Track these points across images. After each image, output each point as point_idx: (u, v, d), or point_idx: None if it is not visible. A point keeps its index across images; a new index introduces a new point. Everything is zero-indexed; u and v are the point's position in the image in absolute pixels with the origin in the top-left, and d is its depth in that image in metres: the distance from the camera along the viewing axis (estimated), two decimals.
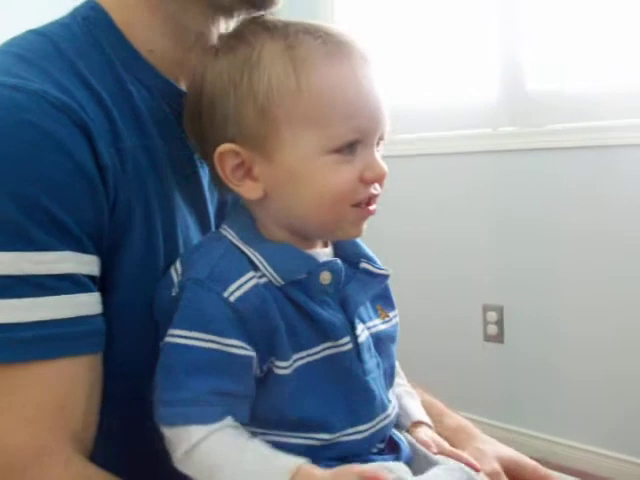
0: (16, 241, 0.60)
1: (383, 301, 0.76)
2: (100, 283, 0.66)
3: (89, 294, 0.64)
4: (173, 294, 0.66)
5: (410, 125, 2.28)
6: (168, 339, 0.64)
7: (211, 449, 0.61)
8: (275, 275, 0.65)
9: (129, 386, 0.68)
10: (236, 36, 0.68)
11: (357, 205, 0.66)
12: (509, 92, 2.18)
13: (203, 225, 0.76)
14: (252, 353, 0.63)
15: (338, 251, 0.73)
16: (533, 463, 0.84)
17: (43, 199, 0.61)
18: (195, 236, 0.75)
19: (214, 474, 0.61)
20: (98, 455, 0.66)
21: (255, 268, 0.66)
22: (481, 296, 2.29)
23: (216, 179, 0.70)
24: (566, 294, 2.11)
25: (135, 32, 0.72)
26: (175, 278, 0.67)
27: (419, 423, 0.77)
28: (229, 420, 0.62)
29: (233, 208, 0.76)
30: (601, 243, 2.02)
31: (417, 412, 0.78)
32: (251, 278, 0.64)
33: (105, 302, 0.66)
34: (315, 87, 0.64)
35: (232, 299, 0.63)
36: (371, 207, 0.67)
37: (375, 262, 0.74)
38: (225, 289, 0.63)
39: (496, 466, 0.78)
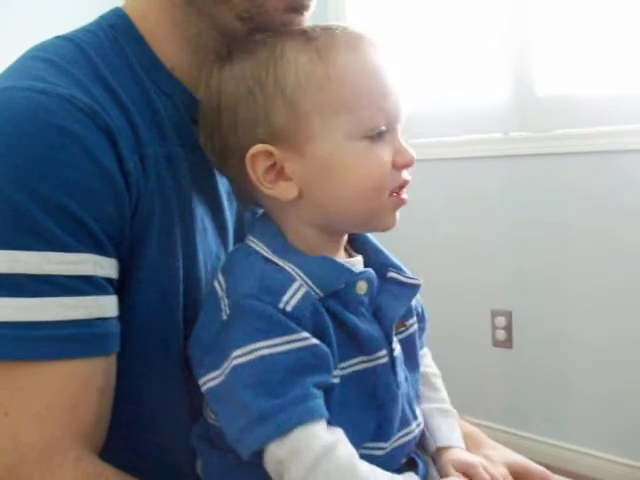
0: (39, 241, 0.61)
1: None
2: (117, 286, 0.66)
3: (106, 297, 0.65)
4: (224, 318, 0.63)
5: (420, 130, 2.28)
6: (242, 359, 0.60)
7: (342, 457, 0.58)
8: (315, 287, 0.64)
9: (140, 388, 0.68)
10: (252, 41, 0.68)
11: (391, 194, 0.67)
12: (520, 97, 2.17)
13: (221, 231, 0.77)
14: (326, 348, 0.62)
15: (365, 260, 0.72)
16: (541, 469, 0.83)
17: (67, 201, 0.61)
18: (213, 242, 0.75)
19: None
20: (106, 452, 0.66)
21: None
22: (490, 301, 2.29)
23: (238, 191, 0.71)
24: (575, 300, 2.10)
25: (158, 44, 0.73)
26: (221, 302, 0.65)
27: (446, 448, 0.74)
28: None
29: (257, 219, 0.74)
30: (612, 249, 2.01)
31: (445, 435, 0.76)
32: (301, 286, 0.63)
33: (121, 304, 0.67)
34: (342, 73, 0.64)
35: (289, 309, 0.61)
36: (404, 196, 0.68)
37: (404, 271, 0.72)
38: (279, 300, 0.61)
39: (504, 472, 0.78)
